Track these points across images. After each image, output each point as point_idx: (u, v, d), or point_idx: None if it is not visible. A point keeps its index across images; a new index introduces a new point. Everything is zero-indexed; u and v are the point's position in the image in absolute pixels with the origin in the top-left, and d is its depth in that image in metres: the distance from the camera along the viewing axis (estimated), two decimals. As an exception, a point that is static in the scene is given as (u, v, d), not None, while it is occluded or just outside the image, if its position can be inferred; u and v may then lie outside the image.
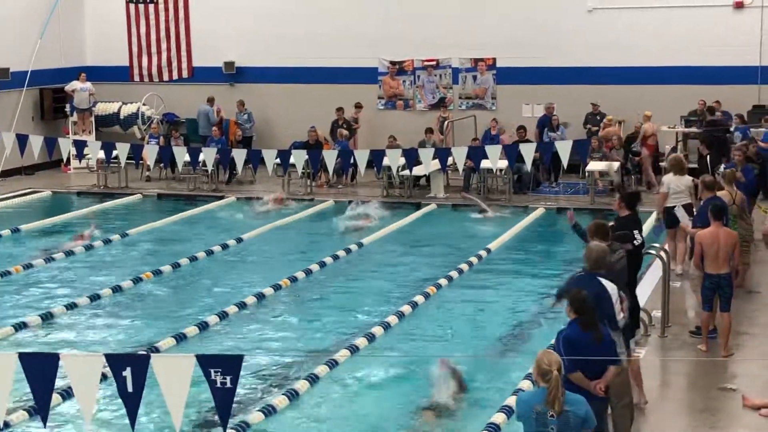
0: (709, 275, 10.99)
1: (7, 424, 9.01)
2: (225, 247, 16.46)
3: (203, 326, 12.24)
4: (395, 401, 10.08)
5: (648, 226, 15.55)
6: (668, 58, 21.79)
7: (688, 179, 14.01)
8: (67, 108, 24.45)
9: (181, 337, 11.78)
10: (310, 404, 9.99)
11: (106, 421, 9.46)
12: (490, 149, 15.69)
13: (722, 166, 15.30)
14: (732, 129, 19.48)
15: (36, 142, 16.84)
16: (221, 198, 20.63)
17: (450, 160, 18.72)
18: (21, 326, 12.25)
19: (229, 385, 6.35)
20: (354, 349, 11.33)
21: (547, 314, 12.65)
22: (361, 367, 10.98)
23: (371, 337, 11.75)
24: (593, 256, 8.64)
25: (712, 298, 11.07)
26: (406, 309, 12.83)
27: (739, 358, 10.84)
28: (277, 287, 13.96)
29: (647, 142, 20.39)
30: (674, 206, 13.68)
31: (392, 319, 12.40)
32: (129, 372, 6.41)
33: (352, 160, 17.19)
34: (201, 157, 17.53)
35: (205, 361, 6.40)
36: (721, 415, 9.54)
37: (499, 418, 9.22)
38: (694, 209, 13.30)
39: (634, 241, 10.22)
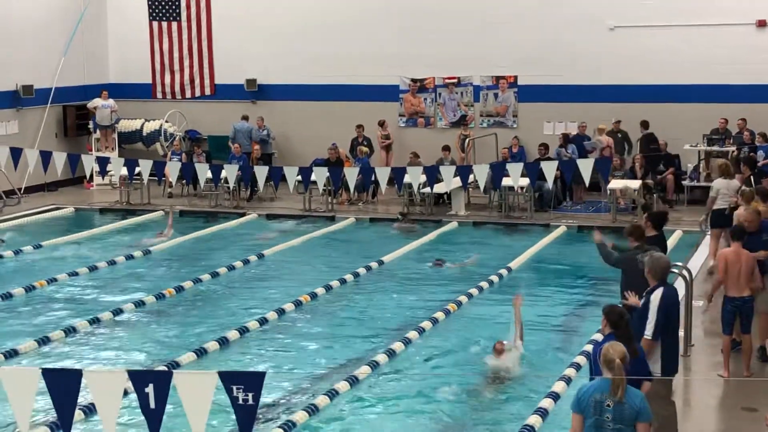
0: (731, 298, 10.79)
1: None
2: (246, 263, 16.54)
3: (223, 342, 12.30)
4: (414, 417, 10.07)
5: (671, 244, 15.53)
6: (690, 76, 21.73)
7: (736, 183, 14.89)
8: (90, 125, 24.65)
9: (201, 352, 11.83)
10: (330, 420, 9.99)
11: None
12: (511, 167, 15.69)
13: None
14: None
15: (59, 159, 16.96)
16: (243, 215, 20.69)
17: (471, 177, 18.69)
18: (44, 341, 12.35)
19: (251, 402, 6.37)
20: (374, 365, 11.35)
21: (567, 332, 12.63)
22: (381, 383, 10.99)
23: (391, 354, 11.77)
24: (662, 266, 8.82)
25: (733, 321, 10.84)
26: (426, 325, 12.85)
27: (762, 379, 10.74)
28: (297, 303, 14.01)
29: (603, 154, 20.51)
30: (724, 208, 14.48)
31: (413, 335, 12.43)
32: (152, 388, 6.45)
33: (373, 178, 17.22)
34: (223, 173, 17.62)
35: (228, 378, 6.43)
36: (743, 435, 9.48)
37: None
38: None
39: None
